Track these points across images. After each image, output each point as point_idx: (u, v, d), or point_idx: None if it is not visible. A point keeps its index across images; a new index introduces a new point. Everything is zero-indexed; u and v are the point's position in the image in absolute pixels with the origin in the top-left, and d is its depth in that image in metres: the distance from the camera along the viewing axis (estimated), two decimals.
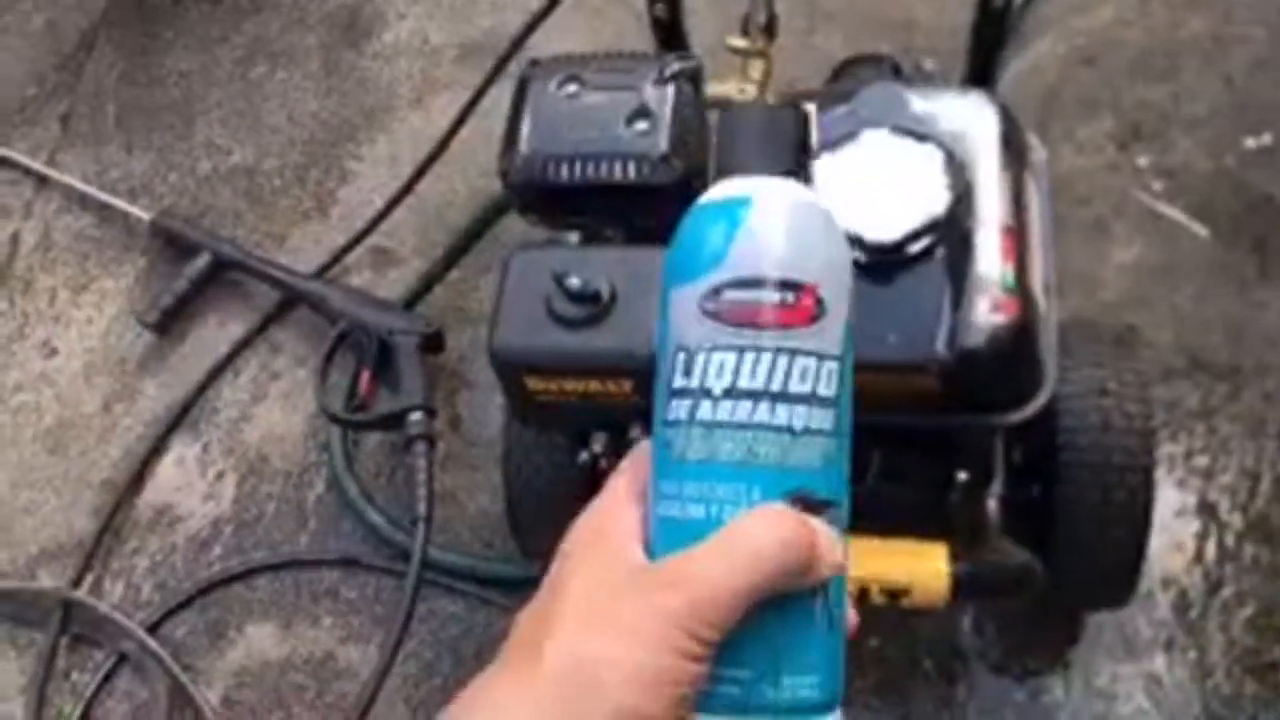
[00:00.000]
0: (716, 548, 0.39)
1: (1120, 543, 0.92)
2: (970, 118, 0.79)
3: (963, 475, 0.84)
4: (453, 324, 1.39)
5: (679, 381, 0.42)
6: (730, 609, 0.38)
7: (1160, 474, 1.16)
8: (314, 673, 1.23)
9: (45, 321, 1.55)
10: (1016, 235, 0.74)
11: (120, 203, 1.59)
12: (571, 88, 0.85)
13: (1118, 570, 0.95)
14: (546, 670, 0.38)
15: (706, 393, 0.41)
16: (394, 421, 1.24)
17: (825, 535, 0.41)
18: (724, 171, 0.46)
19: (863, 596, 0.80)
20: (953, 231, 0.72)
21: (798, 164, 0.46)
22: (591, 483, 0.92)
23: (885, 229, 0.71)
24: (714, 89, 1.04)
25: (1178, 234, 1.33)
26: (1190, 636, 1.10)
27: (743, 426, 0.41)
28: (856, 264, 0.71)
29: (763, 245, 0.42)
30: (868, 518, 0.83)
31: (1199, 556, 1.14)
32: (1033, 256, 0.77)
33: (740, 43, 1.11)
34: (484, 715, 0.39)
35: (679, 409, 0.42)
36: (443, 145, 1.39)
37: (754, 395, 0.41)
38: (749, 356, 0.41)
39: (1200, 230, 1.33)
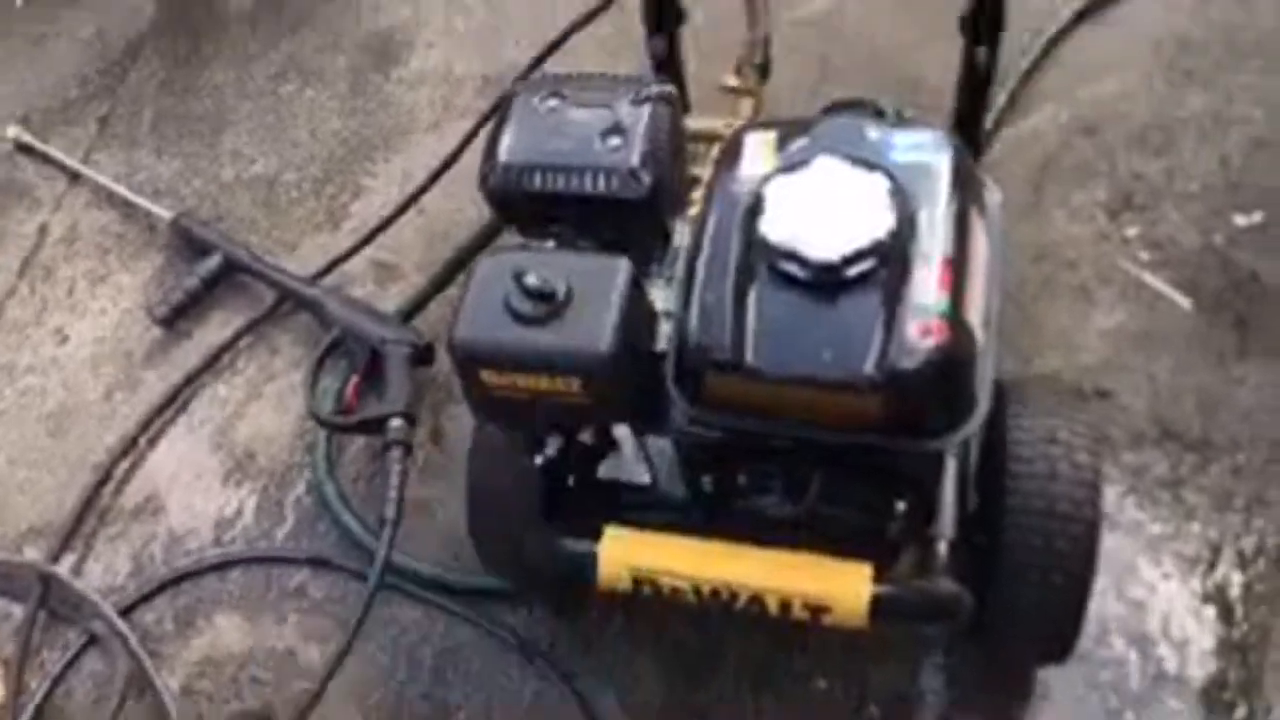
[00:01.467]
0: None
1: (1061, 591, 0.92)
2: (923, 153, 0.82)
3: (901, 505, 0.85)
4: (446, 339, 1.42)
5: None
6: None
7: (1123, 539, 1.17)
8: (274, 668, 1.25)
9: (61, 309, 1.61)
10: (956, 267, 0.76)
11: (144, 202, 1.66)
12: (553, 103, 0.90)
13: (1058, 621, 0.95)
14: None
15: None
16: (375, 426, 1.28)
17: None
18: None
19: (786, 609, 0.81)
20: (893, 257, 0.74)
21: None
22: (548, 492, 0.95)
23: (827, 249, 0.73)
24: (700, 123, 1.09)
25: (1160, 305, 1.34)
26: (1135, 710, 1.09)
27: None
28: (799, 283, 0.75)
29: None
30: (814, 538, 0.85)
31: (1153, 624, 1.13)
32: (973, 289, 0.79)
33: (734, 81, 1.16)
34: None
35: None
36: (449, 162, 1.45)
37: None
38: None
39: (1183, 302, 1.34)
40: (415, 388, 1.33)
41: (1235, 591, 1.14)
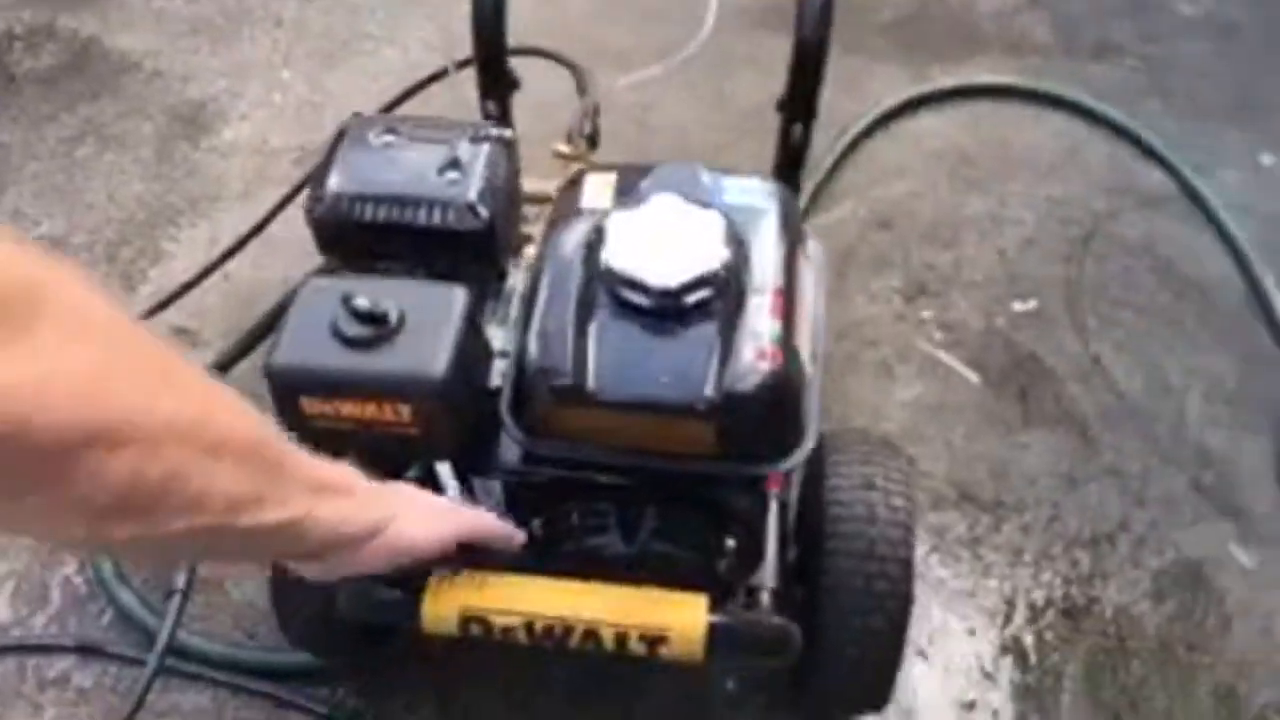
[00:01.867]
0: None
1: (882, 633, 0.94)
2: (753, 197, 0.86)
3: (731, 542, 0.85)
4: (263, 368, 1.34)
5: None
6: None
7: (930, 594, 1.22)
8: None
9: None
10: (787, 298, 0.80)
11: None
12: (389, 138, 0.88)
13: (880, 664, 0.97)
14: None
15: None
16: None
17: None
18: None
19: (622, 642, 0.79)
20: (728, 289, 0.77)
21: None
22: None
23: (666, 277, 0.75)
24: (533, 185, 1.10)
25: (953, 379, 1.44)
26: None
27: None
28: (639, 310, 0.76)
29: None
30: (648, 577, 0.84)
31: (959, 672, 1.17)
32: (801, 323, 0.82)
33: (565, 148, 1.18)
34: None
35: None
36: (260, 226, 1.39)
37: None
38: None
39: (973, 377, 1.44)
40: None
41: (1030, 640, 1.20)
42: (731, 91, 1.76)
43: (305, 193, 0.94)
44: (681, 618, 0.80)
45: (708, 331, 0.76)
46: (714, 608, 0.80)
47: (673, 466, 0.78)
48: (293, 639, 1.05)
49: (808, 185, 1.61)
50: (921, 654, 1.17)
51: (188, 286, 1.43)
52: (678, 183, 0.84)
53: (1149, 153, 1.73)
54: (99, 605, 1.20)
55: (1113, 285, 1.56)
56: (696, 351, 0.75)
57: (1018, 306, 1.53)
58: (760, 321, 0.77)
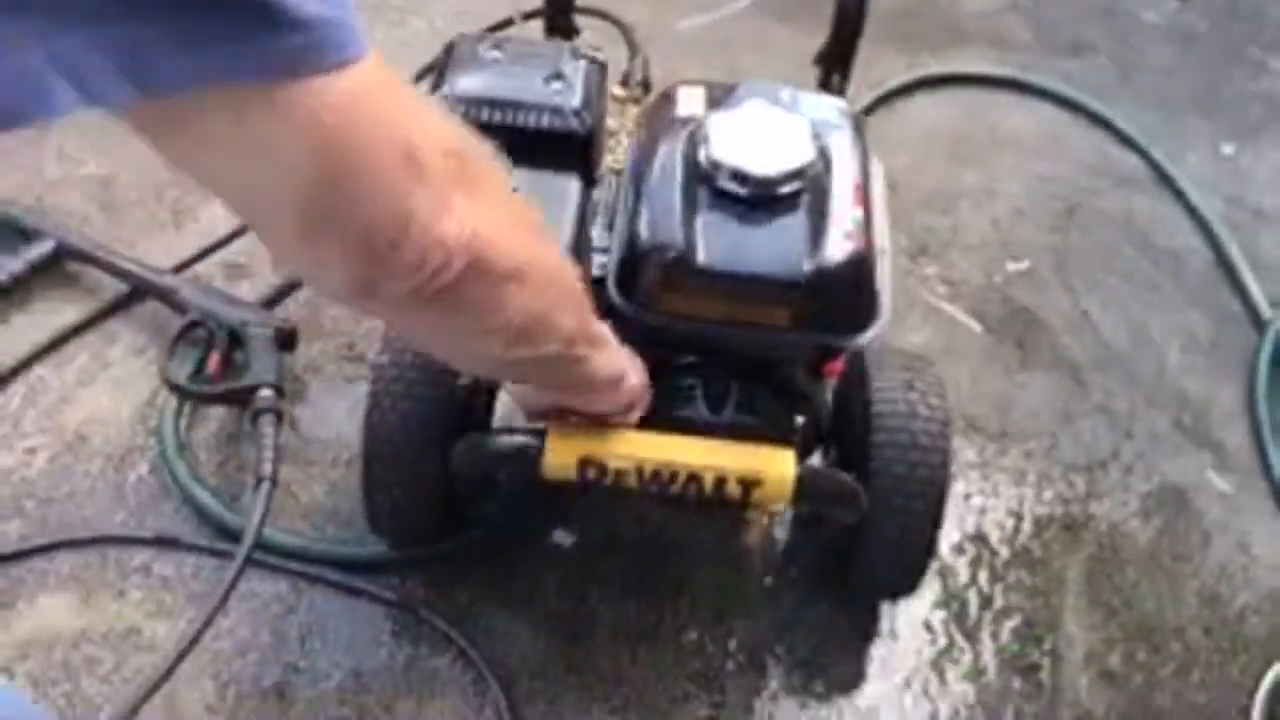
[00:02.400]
0: None
1: (921, 515, 1.05)
2: (828, 113, 0.98)
3: (800, 419, 0.96)
4: (304, 334, 1.42)
5: None
6: None
7: (947, 507, 1.34)
8: (113, 646, 1.15)
9: None
10: (864, 192, 0.91)
11: None
12: (496, 53, 0.98)
13: (917, 546, 1.08)
14: None
15: None
16: (243, 396, 1.25)
17: None
18: None
19: (720, 485, 0.89)
20: (815, 181, 0.88)
21: None
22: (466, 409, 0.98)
23: (765, 167, 0.86)
24: None
25: (957, 328, 1.57)
26: (968, 642, 1.23)
27: None
28: (739, 198, 0.87)
29: None
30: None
31: (974, 579, 1.29)
32: (875, 217, 0.93)
33: (621, 92, 1.29)
34: None
35: None
36: None
37: None
38: None
39: (975, 326, 1.57)
40: (280, 367, 1.32)
41: (1036, 549, 1.32)
42: (742, 67, 1.88)
43: None
44: (774, 465, 0.90)
45: (800, 217, 0.87)
46: (800, 460, 0.91)
47: (763, 338, 0.89)
48: (378, 526, 1.13)
49: None
50: (940, 556, 1.28)
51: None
52: (764, 94, 0.95)
53: (1124, 139, 1.89)
54: (173, 503, 1.26)
55: (1096, 252, 1.71)
56: (791, 233, 0.86)
57: (1011, 266, 1.67)
58: (844, 210, 0.88)
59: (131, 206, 1.60)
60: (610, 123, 1.23)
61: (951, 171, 1.81)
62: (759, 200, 0.86)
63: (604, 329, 0.74)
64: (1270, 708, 1.17)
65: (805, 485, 0.91)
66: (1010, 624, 1.25)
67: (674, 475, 0.89)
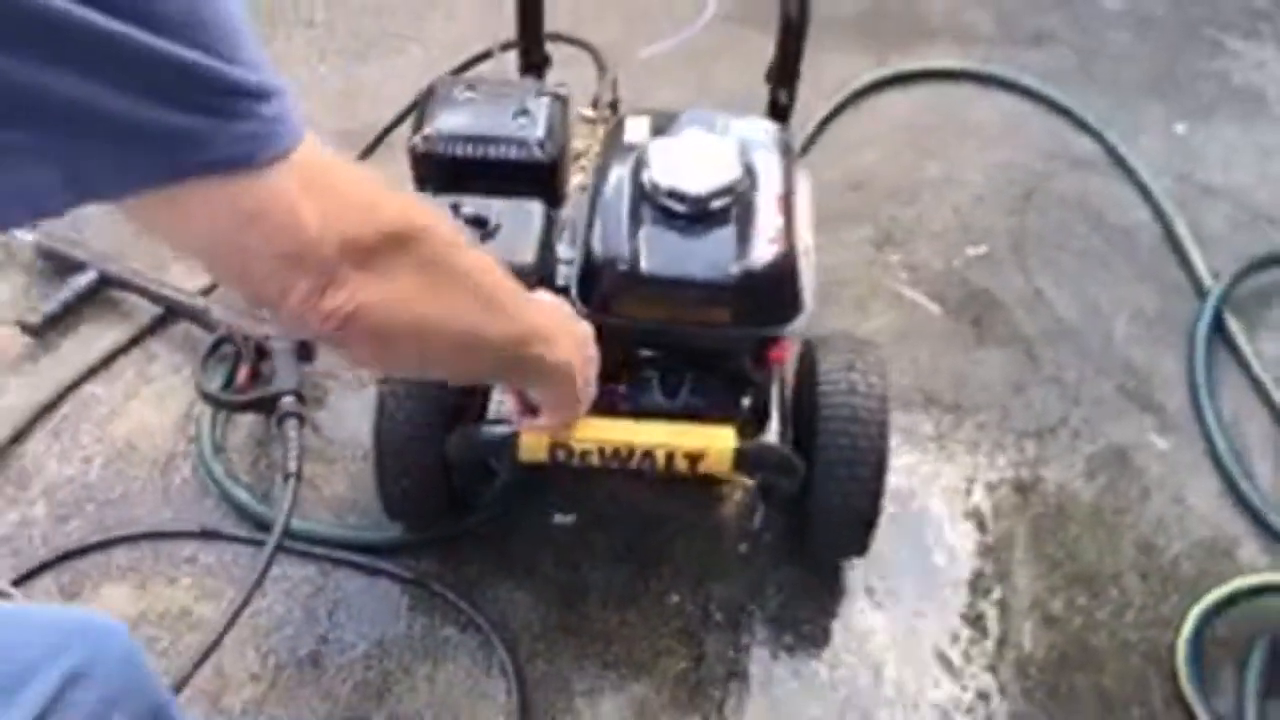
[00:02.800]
0: None
1: (864, 481, 1.19)
2: (757, 133, 1.11)
3: (746, 401, 1.10)
4: (321, 346, 1.57)
5: None
6: None
7: (903, 478, 1.48)
8: (168, 626, 1.32)
9: None
10: (786, 202, 1.05)
11: None
12: (470, 94, 1.13)
13: (861, 510, 1.22)
14: None
15: None
16: (269, 403, 1.41)
17: None
18: None
19: (670, 460, 1.04)
20: (742, 196, 1.02)
21: None
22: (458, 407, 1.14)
23: (698, 186, 1.00)
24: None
25: (917, 310, 1.70)
26: (922, 599, 1.37)
27: None
28: (676, 214, 1.01)
29: None
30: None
31: (929, 540, 1.43)
32: (798, 225, 1.07)
33: (590, 113, 1.43)
34: None
35: None
36: None
37: None
38: None
39: (934, 308, 1.71)
40: (301, 376, 1.47)
41: (987, 510, 1.46)
42: (716, 76, 2.02)
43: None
44: (715, 441, 1.05)
45: (729, 228, 1.01)
46: (740, 436, 1.05)
47: (703, 333, 1.03)
48: (392, 511, 1.29)
49: None
50: (895, 519, 1.42)
51: None
52: (700, 121, 1.09)
53: (1080, 124, 2.00)
54: (213, 500, 1.43)
55: (1051, 233, 1.83)
56: (722, 242, 1.00)
57: (970, 251, 1.79)
58: (768, 219, 1.02)
59: None
60: (579, 144, 1.37)
61: (917, 163, 1.94)
62: (694, 215, 1.00)
63: (539, 323, 0.82)
64: (1193, 643, 1.30)
65: (744, 456, 1.05)
66: (963, 578, 1.39)
67: (631, 453, 1.04)
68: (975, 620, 1.36)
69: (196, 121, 0.51)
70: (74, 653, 0.72)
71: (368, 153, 1.88)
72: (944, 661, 1.32)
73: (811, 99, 1.96)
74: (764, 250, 1.00)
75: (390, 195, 0.65)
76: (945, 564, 1.40)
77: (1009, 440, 1.54)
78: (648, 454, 1.04)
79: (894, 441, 1.48)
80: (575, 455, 1.04)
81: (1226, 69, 2.16)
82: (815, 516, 1.23)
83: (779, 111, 1.36)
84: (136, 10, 0.48)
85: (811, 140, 1.93)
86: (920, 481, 1.48)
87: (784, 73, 1.33)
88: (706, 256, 0.99)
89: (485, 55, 1.55)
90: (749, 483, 1.30)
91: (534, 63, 1.37)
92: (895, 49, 2.14)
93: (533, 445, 1.05)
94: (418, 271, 0.65)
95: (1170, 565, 1.42)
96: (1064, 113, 2.02)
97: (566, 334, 0.88)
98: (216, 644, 1.22)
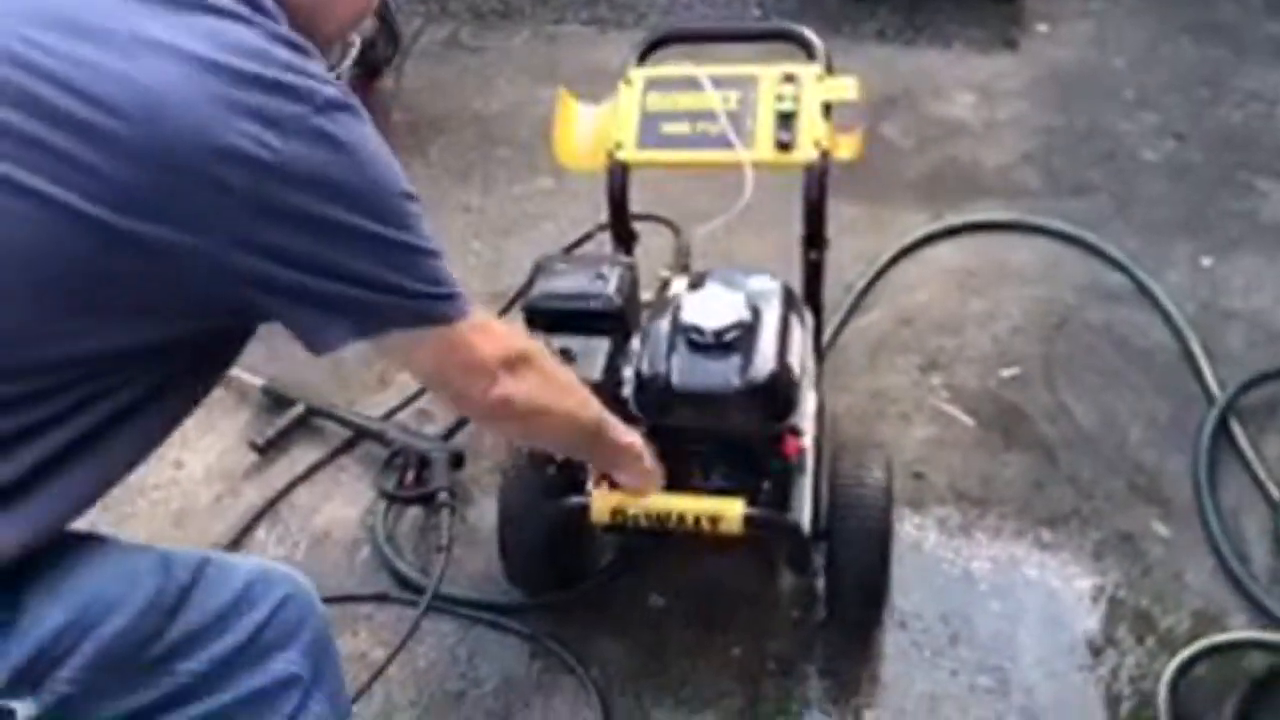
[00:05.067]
0: None
1: (871, 565, 1.53)
2: (765, 285, 1.51)
3: (766, 484, 1.47)
4: (470, 457, 2.03)
5: None
6: None
7: (932, 562, 1.78)
8: (351, 665, 1.74)
9: (176, 447, 2.19)
10: (782, 338, 1.43)
11: (237, 372, 2.28)
12: (564, 265, 1.58)
13: (873, 580, 1.54)
14: None
15: None
16: (429, 498, 1.86)
17: None
18: None
19: (697, 522, 1.42)
20: (748, 331, 1.41)
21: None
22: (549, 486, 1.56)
23: (716, 322, 1.39)
24: (648, 295, 1.78)
25: (954, 422, 2.02)
26: (939, 661, 1.65)
27: None
28: (699, 345, 1.41)
29: None
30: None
31: (953, 606, 1.71)
32: (792, 352, 1.44)
33: (666, 273, 1.87)
34: None
35: None
36: None
37: None
38: None
39: (968, 421, 2.02)
40: (453, 479, 1.93)
41: (1006, 582, 1.73)
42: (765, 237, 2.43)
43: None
44: (728, 509, 1.42)
45: (738, 353, 1.40)
46: (750, 504, 1.42)
47: (720, 429, 1.42)
48: (512, 576, 1.69)
49: (849, 297, 2.25)
50: (931, 589, 1.72)
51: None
52: (722, 278, 1.51)
53: (1112, 262, 2.30)
54: (385, 572, 1.87)
55: (1079, 355, 2.12)
56: (730, 363, 1.39)
57: (1004, 373, 2.11)
58: (767, 348, 1.41)
59: (352, 376, 2.29)
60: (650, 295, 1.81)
61: (962, 301, 2.28)
62: (711, 345, 1.40)
63: (618, 423, 1.29)
64: (1171, 689, 1.53)
65: (751, 521, 1.42)
66: (978, 645, 1.67)
67: (669, 516, 1.42)
68: (995, 670, 1.63)
69: (423, 304, 0.97)
70: (252, 569, 1.12)
71: (508, 308, 2.36)
72: (963, 712, 1.59)
73: (874, 249, 2.36)
74: (761, 369, 1.38)
75: (516, 330, 1.10)
76: (970, 629, 1.68)
77: (1026, 527, 1.82)
78: (681, 517, 1.42)
79: (933, 531, 1.82)
80: (630, 518, 1.43)
81: (1255, 207, 2.42)
82: (836, 583, 1.56)
83: (811, 268, 1.76)
84: (403, 224, 0.92)
85: (870, 285, 2.31)
86: (947, 562, 1.78)
87: (811, 237, 1.73)
88: (720, 374, 1.38)
89: (588, 236, 2.02)
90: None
91: (622, 237, 1.83)
92: (950, 204, 2.51)
93: (600, 510, 1.45)
94: (538, 376, 1.10)
95: (1165, 632, 1.65)
96: (1097, 253, 2.32)
97: (630, 432, 1.32)
98: (380, 672, 1.64)
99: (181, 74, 0.84)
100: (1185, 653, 1.55)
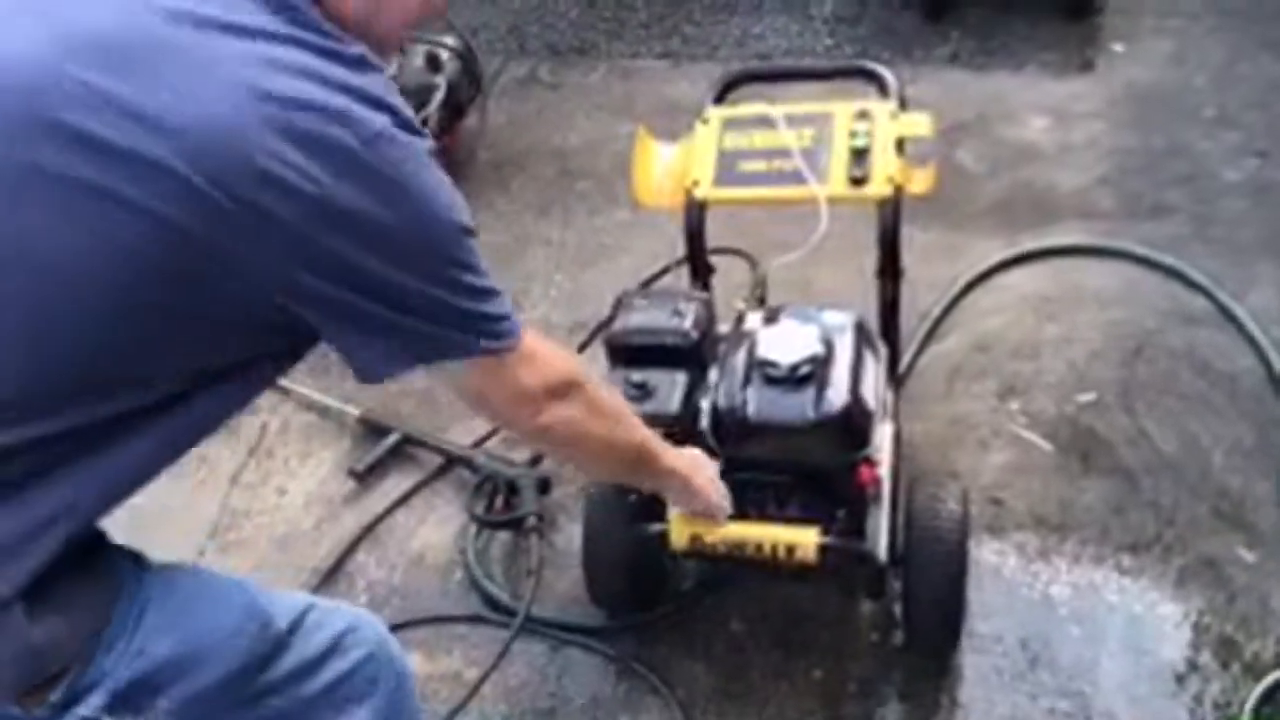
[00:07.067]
0: None
1: (947, 592, 1.56)
2: (838, 320, 1.55)
3: (840, 513, 1.52)
4: (556, 482, 2.11)
5: None
6: None
7: (1015, 582, 1.80)
8: (446, 684, 1.84)
9: (280, 475, 2.32)
10: (855, 372, 1.47)
11: (336, 403, 2.40)
12: (644, 300, 1.66)
13: (948, 608, 1.58)
14: None
15: None
16: (518, 522, 1.95)
17: None
18: None
19: (774, 551, 1.47)
20: (821, 365, 1.46)
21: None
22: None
23: (791, 357, 1.45)
24: (725, 328, 1.84)
25: (1032, 448, 2.03)
26: (1016, 685, 1.68)
27: None
28: (775, 379, 1.47)
29: None
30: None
31: (1028, 632, 1.73)
32: (865, 385, 1.48)
33: (742, 305, 1.93)
34: None
35: None
36: None
37: None
38: None
39: (1047, 446, 2.03)
40: (541, 504, 2.01)
41: (1083, 608, 1.75)
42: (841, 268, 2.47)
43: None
44: (802, 538, 1.47)
45: (812, 387, 1.46)
46: (823, 535, 1.47)
47: (795, 461, 1.47)
48: (597, 598, 1.76)
49: (925, 324, 2.28)
50: (1012, 615, 1.74)
51: None
52: (796, 314, 1.56)
53: (1193, 284, 2.29)
54: (477, 595, 1.96)
55: (1158, 380, 2.12)
56: (804, 397, 1.44)
57: (1081, 398, 2.11)
58: (840, 380, 1.46)
59: (443, 406, 2.38)
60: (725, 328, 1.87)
61: (1038, 326, 2.29)
62: (785, 379, 1.45)
63: (667, 449, 1.34)
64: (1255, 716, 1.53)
65: (825, 551, 1.46)
66: (1058, 670, 1.68)
67: (744, 545, 1.48)
68: (1075, 695, 1.64)
69: (471, 339, 1.03)
70: (347, 619, 1.20)
71: (588, 341, 2.42)
72: None
73: (948, 276, 2.38)
74: (834, 402, 1.43)
75: (565, 358, 1.15)
76: (1050, 653, 1.70)
77: (1107, 553, 1.83)
78: (758, 546, 1.48)
79: (1014, 556, 1.84)
80: (707, 546, 1.50)
81: None
82: (913, 610, 1.60)
83: (887, 299, 1.80)
84: (454, 259, 0.99)
85: (946, 312, 2.33)
86: (1027, 586, 1.80)
87: (886, 269, 1.78)
88: (795, 407, 1.44)
89: (667, 268, 2.09)
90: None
91: (699, 271, 1.90)
92: (1025, 230, 2.52)
93: (678, 536, 1.51)
94: (584, 402, 1.15)
95: (1251, 658, 1.65)
96: (1177, 275, 2.31)
97: (689, 456, 1.36)
98: (476, 689, 1.72)
99: (232, 103, 0.85)
100: (1270, 678, 1.54)
